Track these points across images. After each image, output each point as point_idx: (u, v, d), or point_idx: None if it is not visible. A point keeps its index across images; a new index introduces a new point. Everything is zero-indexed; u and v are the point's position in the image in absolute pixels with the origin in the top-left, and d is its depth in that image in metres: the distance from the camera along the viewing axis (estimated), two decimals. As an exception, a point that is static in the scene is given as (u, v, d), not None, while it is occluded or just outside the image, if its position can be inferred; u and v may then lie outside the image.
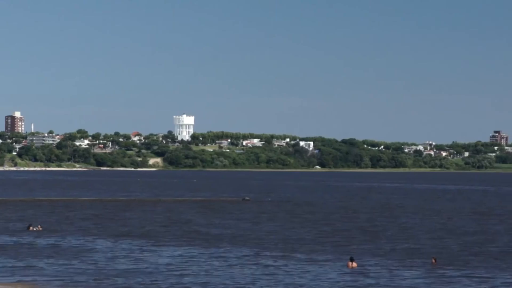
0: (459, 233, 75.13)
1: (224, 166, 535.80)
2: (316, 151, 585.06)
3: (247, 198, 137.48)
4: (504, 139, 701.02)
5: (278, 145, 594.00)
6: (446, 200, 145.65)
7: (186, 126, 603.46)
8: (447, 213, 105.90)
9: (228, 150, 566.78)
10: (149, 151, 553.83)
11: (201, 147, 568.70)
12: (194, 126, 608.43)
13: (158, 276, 47.60)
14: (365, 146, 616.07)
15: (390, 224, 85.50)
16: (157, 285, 44.80)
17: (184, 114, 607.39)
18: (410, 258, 55.76)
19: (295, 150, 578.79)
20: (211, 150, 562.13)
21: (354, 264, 51.43)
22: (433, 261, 52.44)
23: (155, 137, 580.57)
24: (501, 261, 54.58)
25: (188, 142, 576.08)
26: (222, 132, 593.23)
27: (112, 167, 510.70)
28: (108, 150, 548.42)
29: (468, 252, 59.31)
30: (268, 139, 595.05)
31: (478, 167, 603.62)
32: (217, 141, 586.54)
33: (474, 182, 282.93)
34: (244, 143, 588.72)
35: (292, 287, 44.47)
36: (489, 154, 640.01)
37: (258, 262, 53.53)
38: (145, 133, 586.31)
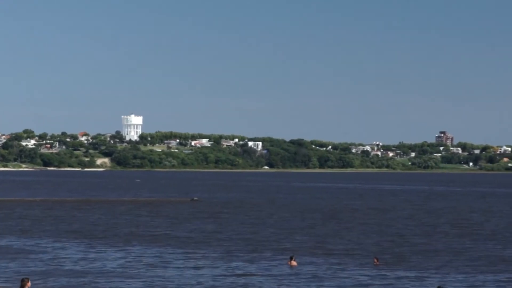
0: (402, 233, 76.27)
1: (173, 166, 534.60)
2: (265, 151, 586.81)
3: (195, 198, 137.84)
4: (450, 139, 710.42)
5: (226, 145, 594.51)
6: (391, 199, 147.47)
7: (134, 126, 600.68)
8: (391, 212, 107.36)
9: (176, 150, 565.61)
10: (97, 151, 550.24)
11: (149, 147, 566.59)
12: (142, 126, 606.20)
13: (96, 277, 47.75)
14: (313, 146, 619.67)
15: (335, 224, 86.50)
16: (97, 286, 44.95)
17: (132, 114, 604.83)
18: (352, 257, 56.52)
19: (244, 151, 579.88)
20: (160, 150, 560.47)
21: (294, 263, 51.99)
22: (375, 260, 52.99)
23: (102, 137, 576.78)
24: (441, 261, 55.66)
25: (136, 142, 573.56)
26: (171, 132, 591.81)
27: (59, 167, 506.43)
28: (55, 150, 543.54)
29: (411, 252, 60.17)
30: (216, 139, 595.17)
31: (424, 168, 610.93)
32: (165, 141, 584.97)
33: (419, 182, 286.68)
34: (193, 143, 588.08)
35: (234, 286, 44.95)
36: (435, 154, 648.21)
37: (199, 262, 53.97)
38: (92, 133, 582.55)
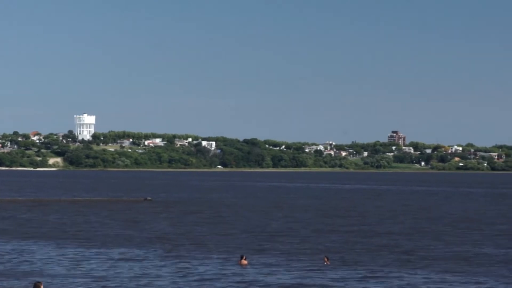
0: (355, 233, 77.25)
1: (126, 166, 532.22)
2: (218, 151, 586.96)
3: (148, 198, 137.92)
4: (402, 139, 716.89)
5: (180, 144, 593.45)
6: (342, 199, 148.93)
7: (87, 125, 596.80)
8: (344, 212, 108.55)
9: (129, 150, 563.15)
10: (49, 150, 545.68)
11: (102, 146, 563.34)
12: (95, 125, 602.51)
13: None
14: (267, 146, 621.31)
15: (287, 223, 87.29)
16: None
17: (85, 113, 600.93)
18: (303, 257, 57.14)
19: (197, 150, 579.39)
20: (113, 149, 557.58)
21: (245, 262, 52.50)
22: (326, 259, 53.71)
23: (55, 136, 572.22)
24: (392, 260, 56.71)
25: (89, 142, 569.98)
26: (124, 131, 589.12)
27: (11, 167, 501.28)
28: (6, 150, 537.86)
29: (361, 251, 61.03)
30: (170, 139, 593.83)
31: (377, 167, 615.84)
32: (118, 141, 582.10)
33: (372, 182, 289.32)
34: (146, 142, 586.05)
35: (184, 285, 45.32)
36: (387, 154, 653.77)
37: (147, 261, 54.28)
38: (44, 132, 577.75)
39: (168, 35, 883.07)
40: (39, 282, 32.99)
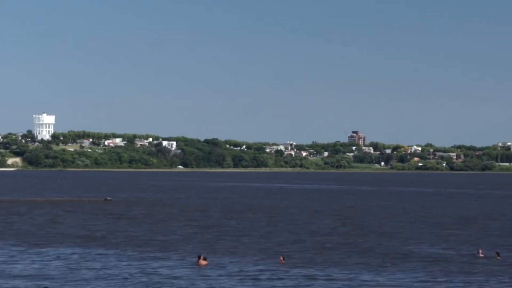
0: (311, 232, 78.01)
1: (86, 166, 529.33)
2: (179, 151, 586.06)
3: (109, 198, 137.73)
4: (362, 139, 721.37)
5: (140, 144, 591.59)
6: (302, 199, 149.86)
7: (46, 125, 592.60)
8: (302, 213, 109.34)
9: (89, 150, 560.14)
10: (8, 150, 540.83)
11: (61, 146, 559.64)
12: (54, 125, 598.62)
13: None
14: (228, 146, 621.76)
15: (244, 223, 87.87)
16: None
17: (44, 113, 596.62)
18: (260, 256, 57.65)
19: (158, 150, 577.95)
20: (72, 149, 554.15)
21: (203, 262, 52.80)
22: (281, 259, 54.19)
23: (14, 136, 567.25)
24: (349, 260, 57.54)
25: (48, 142, 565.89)
26: (84, 131, 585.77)
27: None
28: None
29: (317, 251, 61.64)
30: (130, 139, 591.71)
31: (337, 167, 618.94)
32: (78, 141, 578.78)
33: (331, 182, 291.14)
34: (106, 142, 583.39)
35: (140, 286, 45.49)
36: (347, 154, 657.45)
37: (102, 261, 54.44)
38: (3, 132, 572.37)
39: (126, 34, 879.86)
40: (46, 287, 33.25)
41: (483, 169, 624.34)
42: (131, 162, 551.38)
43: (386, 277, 48.27)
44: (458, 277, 48.23)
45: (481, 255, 57.51)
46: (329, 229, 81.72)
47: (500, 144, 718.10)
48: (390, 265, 53.30)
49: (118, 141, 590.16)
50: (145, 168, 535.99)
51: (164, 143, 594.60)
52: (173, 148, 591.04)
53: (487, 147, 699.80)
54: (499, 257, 56.72)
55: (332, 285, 45.69)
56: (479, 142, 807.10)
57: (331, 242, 68.10)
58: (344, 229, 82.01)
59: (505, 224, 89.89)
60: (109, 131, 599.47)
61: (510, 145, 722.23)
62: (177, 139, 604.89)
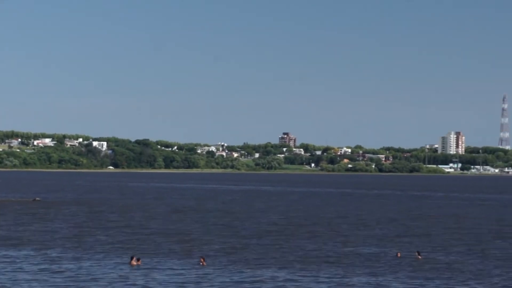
0: (233, 234, 79.06)
1: (14, 166, 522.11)
2: (110, 151, 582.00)
3: (37, 198, 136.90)
4: (292, 140, 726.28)
5: (70, 145, 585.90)
6: (227, 200, 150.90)
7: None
8: (226, 213, 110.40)
9: (18, 150, 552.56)
10: None
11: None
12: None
13: None
14: (159, 146, 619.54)
15: (172, 224, 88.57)
16: None
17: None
18: (181, 257, 58.25)
19: (88, 150, 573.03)
20: (1, 149, 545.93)
21: (135, 263, 53.29)
22: (202, 260, 55.07)
23: None
24: (268, 261, 58.81)
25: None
26: (12, 131, 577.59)
27: None
28: None
29: (239, 252, 62.47)
30: (60, 139, 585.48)
31: (268, 168, 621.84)
32: (6, 141, 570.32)
33: (258, 183, 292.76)
34: (35, 142, 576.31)
35: (74, 286, 45.90)
36: (278, 155, 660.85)
37: (35, 261, 54.71)
38: None
39: (59, 35, 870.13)
40: None
41: (411, 171, 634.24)
42: (60, 162, 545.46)
43: (305, 277, 49.46)
44: (380, 277, 49.46)
45: (399, 255, 58.99)
46: (255, 229, 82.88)
47: (427, 147, 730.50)
48: (310, 265, 54.47)
49: (47, 141, 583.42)
50: (75, 169, 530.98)
51: (95, 143, 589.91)
52: (104, 149, 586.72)
53: (415, 149, 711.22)
54: (420, 257, 58.30)
55: (253, 285, 46.82)
56: (407, 144, 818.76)
57: (256, 242, 69.22)
58: (271, 229, 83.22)
59: (426, 224, 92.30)
60: (38, 131, 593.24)
61: (437, 147, 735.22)
62: (107, 140, 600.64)
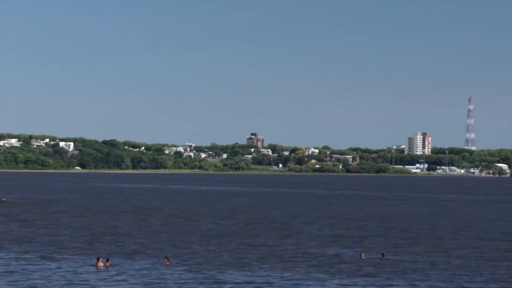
0: (200, 234, 79.41)
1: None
2: (77, 151, 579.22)
3: (3, 199, 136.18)
4: (260, 141, 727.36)
5: (37, 145, 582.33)
6: (192, 200, 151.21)
7: None
8: (191, 214, 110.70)
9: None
10: None
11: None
12: None
13: None
14: (126, 147, 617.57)
15: (136, 225, 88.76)
16: None
17: None
18: (146, 257, 58.48)
19: (55, 151, 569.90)
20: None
21: (101, 264, 53.29)
22: (166, 260, 55.43)
23: None
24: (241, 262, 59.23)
25: None
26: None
27: None
28: None
29: (204, 252, 62.76)
30: (26, 139, 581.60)
31: (236, 169, 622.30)
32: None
33: (231, 183, 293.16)
34: (1, 143, 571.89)
35: (42, 287, 45.90)
36: (246, 156, 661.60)
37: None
38: None
39: (27, 32, 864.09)
40: None
41: (378, 171, 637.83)
42: (27, 163, 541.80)
43: (267, 276, 49.85)
44: (345, 278, 49.94)
45: (363, 257, 59.53)
46: (215, 229, 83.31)
47: (394, 147, 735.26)
48: (272, 265, 54.90)
49: (13, 141, 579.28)
50: (41, 169, 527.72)
51: (61, 144, 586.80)
52: (71, 149, 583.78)
53: (382, 150, 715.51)
54: (384, 258, 58.90)
55: (214, 285, 47.24)
56: (374, 145, 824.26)
57: (217, 242, 69.64)
58: (230, 230, 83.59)
59: (389, 225, 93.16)
60: (4, 131, 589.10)
61: (404, 148, 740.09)
62: (74, 140, 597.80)
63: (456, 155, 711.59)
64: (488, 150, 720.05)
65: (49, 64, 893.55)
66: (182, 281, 47.87)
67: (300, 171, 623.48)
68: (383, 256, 59.55)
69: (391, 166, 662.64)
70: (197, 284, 46.89)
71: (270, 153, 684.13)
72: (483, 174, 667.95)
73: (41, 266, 53.15)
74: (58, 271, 51.10)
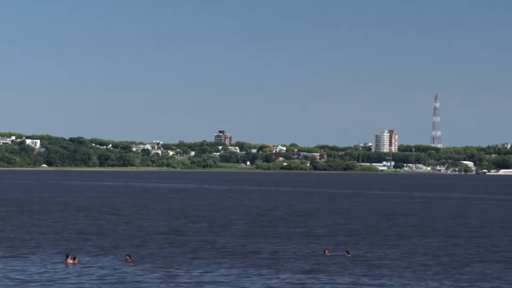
0: (158, 232, 79.45)
1: None
2: (43, 149, 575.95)
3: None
4: (228, 139, 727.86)
5: (3, 143, 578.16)
6: (153, 198, 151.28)
7: None
8: (158, 211, 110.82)
9: None
10: None
11: None
12: None
13: None
14: (93, 144, 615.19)
15: (96, 221, 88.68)
16: None
17: None
18: (108, 254, 58.61)
19: (21, 148, 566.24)
20: None
21: (70, 261, 53.29)
22: (127, 258, 55.33)
23: None
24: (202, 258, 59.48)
25: None
26: None
27: None
28: None
29: (166, 249, 63.02)
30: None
31: (203, 166, 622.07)
32: None
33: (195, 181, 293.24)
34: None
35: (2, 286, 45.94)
36: (214, 153, 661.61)
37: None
38: None
39: (7, 33, 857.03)
40: None
41: (345, 169, 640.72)
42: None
43: (231, 275, 50.15)
44: (308, 275, 50.30)
45: (327, 254, 59.90)
46: (174, 227, 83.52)
47: (361, 145, 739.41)
48: (235, 262, 55.18)
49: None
50: (7, 167, 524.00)
51: (28, 141, 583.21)
52: (37, 147, 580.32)
53: (349, 148, 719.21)
54: (348, 255, 59.31)
55: (177, 280, 47.49)
56: (342, 142, 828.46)
57: (178, 240, 69.87)
58: (195, 227, 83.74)
59: (352, 222, 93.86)
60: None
61: (371, 145, 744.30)
62: (41, 138, 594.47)
63: (423, 153, 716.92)
64: (454, 147, 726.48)
65: (15, 61, 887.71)
66: (142, 277, 48.18)
67: (268, 168, 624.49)
68: (348, 253, 59.97)
69: (358, 163, 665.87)
70: (158, 280, 47.16)
71: (238, 151, 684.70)
72: (449, 172, 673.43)
73: (10, 263, 53.08)
74: (28, 269, 51.00)
